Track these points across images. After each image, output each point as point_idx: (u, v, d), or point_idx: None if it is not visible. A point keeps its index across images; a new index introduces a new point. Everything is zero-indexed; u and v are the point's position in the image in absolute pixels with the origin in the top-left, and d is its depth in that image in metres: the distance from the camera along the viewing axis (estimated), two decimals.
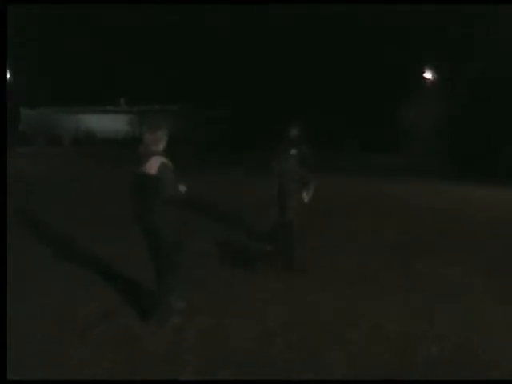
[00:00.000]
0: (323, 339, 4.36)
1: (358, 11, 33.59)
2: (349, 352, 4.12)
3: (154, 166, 4.36)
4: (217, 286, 5.58)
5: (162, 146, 4.54)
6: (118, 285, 5.56)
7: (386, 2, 29.83)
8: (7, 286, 4.69)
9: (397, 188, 15.31)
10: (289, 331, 4.49)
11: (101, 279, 5.77)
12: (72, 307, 4.92)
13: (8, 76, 30.92)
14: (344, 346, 4.23)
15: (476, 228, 9.26)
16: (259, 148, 26.88)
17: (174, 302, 4.72)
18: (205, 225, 8.64)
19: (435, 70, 28.43)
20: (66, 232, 8.08)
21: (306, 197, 6.37)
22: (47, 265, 6.29)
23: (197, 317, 4.71)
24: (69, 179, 16.22)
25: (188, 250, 5.36)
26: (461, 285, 5.87)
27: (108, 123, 49.01)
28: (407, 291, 5.59)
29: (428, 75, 29.28)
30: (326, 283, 5.82)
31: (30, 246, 7.14)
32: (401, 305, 5.19)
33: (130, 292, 5.35)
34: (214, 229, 8.44)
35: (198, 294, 5.23)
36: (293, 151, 6.54)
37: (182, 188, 4.52)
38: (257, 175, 7.73)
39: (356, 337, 4.40)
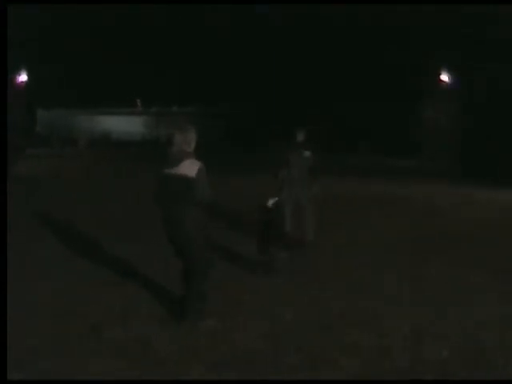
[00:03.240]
0: (330, 340, 4.33)
1: (371, 10, 33.52)
2: (356, 352, 4.09)
3: (191, 169, 4.34)
4: (224, 285, 5.52)
5: (192, 147, 4.50)
6: (132, 285, 5.53)
7: (397, 3, 29.82)
8: (7, 286, 4.65)
9: (408, 189, 15.22)
10: (297, 331, 4.47)
11: (112, 279, 5.74)
12: (78, 308, 4.87)
13: (25, 78, 30.96)
14: (350, 346, 4.20)
15: (486, 229, 9.25)
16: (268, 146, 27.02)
17: (198, 304, 4.67)
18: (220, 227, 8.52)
19: (450, 72, 28.10)
20: (78, 231, 8.10)
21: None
22: (52, 264, 6.26)
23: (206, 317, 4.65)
24: (79, 179, 16.32)
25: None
26: (468, 285, 5.85)
27: (124, 125, 49.06)
28: (414, 292, 5.57)
29: (442, 77, 28.93)
30: (328, 282, 5.82)
31: (41, 245, 7.13)
32: (407, 304, 5.17)
33: (143, 291, 5.32)
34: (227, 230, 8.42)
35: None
36: (305, 154, 7.12)
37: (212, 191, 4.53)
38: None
39: (363, 337, 4.37)
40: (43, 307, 4.85)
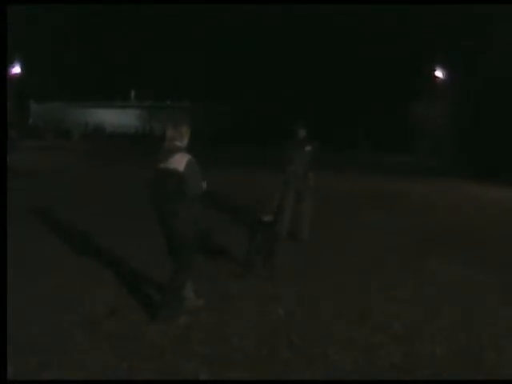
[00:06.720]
0: (326, 338, 4.32)
1: (369, 9, 33.66)
2: (352, 351, 4.09)
3: (180, 162, 4.30)
4: (219, 282, 5.52)
5: (186, 142, 4.50)
6: (126, 280, 5.49)
7: (396, 3, 29.95)
8: (7, 284, 4.58)
9: (407, 187, 15.22)
10: (290, 327, 4.47)
11: (108, 274, 5.69)
12: (77, 303, 4.84)
13: (19, 70, 30.79)
14: (347, 345, 4.20)
15: (484, 227, 9.30)
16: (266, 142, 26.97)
17: (194, 299, 4.71)
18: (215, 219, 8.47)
19: (447, 69, 28.03)
20: (70, 224, 8.00)
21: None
22: (48, 258, 6.20)
23: (201, 314, 4.67)
24: (74, 171, 16.25)
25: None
26: (468, 285, 5.84)
27: (117, 118, 48.97)
28: (411, 289, 5.57)
29: (438, 74, 28.83)
30: (327, 281, 5.78)
31: (32, 240, 7.01)
32: (406, 303, 5.17)
33: (138, 288, 5.29)
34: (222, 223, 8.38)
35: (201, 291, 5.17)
36: (306, 149, 7.35)
37: (204, 184, 4.49)
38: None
39: (359, 335, 4.37)
40: (45, 304, 4.79)
